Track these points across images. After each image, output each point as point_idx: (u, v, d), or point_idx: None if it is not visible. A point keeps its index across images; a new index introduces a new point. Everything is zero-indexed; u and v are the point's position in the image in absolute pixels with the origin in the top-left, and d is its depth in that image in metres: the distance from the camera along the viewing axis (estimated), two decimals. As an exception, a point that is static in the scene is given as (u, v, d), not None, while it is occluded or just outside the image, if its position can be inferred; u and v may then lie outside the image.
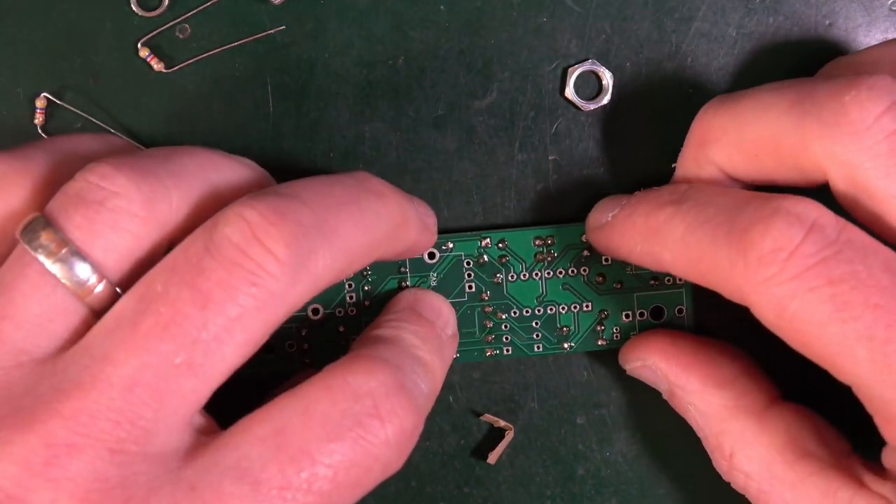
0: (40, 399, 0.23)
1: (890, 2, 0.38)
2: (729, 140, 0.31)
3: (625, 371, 0.38)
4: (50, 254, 0.24)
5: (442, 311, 0.34)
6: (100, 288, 0.25)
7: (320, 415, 0.24)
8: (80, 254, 0.24)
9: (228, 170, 0.29)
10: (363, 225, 0.27)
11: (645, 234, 0.30)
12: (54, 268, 0.24)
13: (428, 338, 0.31)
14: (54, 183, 0.27)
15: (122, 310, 0.24)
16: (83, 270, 0.24)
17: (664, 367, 0.34)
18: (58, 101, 0.37)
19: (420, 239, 0.32)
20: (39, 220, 0.25)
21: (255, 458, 0.23)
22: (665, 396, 0.36)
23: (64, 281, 0.24)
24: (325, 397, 0.24)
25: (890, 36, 0.38)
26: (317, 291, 0.26)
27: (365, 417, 0.24)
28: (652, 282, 0.38)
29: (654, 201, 0.30)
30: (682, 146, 0.35)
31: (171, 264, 0.25)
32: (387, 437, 0.24)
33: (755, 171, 0.30)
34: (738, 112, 0.30)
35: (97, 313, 0.26)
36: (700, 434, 0.34)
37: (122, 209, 0.25)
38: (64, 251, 0.24)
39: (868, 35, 0.38)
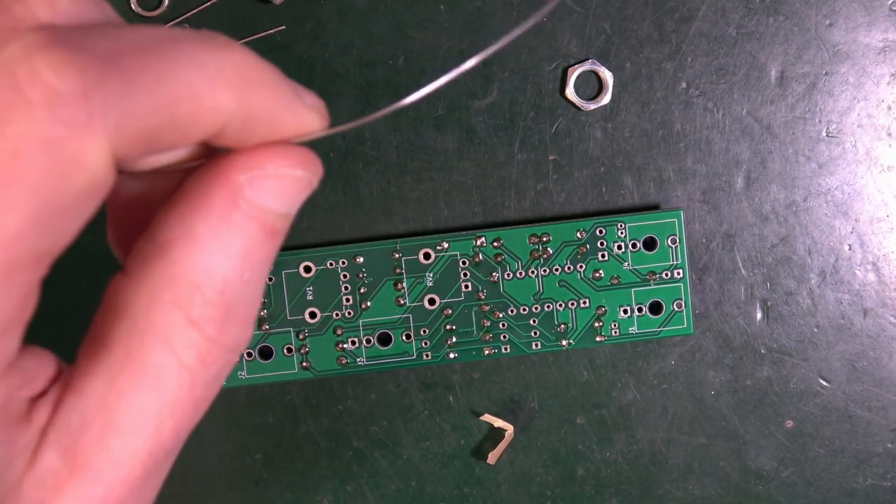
0: None
1: (890, 2, 0.38)
2: None
3: (625, 371, 0.38)
4: None
5: None
6: None
7: None
8: None
9: None
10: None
11: None
12: None
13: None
14: None
15: None
16: None
17: None
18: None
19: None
20: None
21: None
22: None
23: None
24: None
25: (890, 36, 0.38)
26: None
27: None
28: (649, 276, 0.38)
29: None
30: (681, 147, 0.35)
31: None
32: (28, 109, 0.17)
33: None
34: None
35: None
36: None
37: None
38: None
39: (868, 35, 0.38)
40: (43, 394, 0.20)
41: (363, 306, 0.38)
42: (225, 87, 0.19)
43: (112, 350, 0.19)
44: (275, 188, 0.20)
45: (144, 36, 0.19)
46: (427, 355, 0.38)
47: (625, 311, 0.38)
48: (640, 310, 0.38)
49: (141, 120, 0.18)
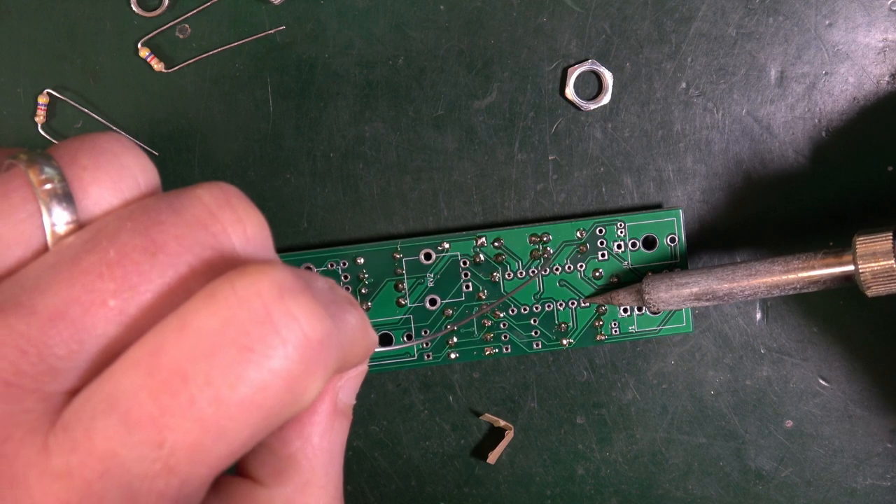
0: None
1: (890, 2, 0.38)
2: None
3: (624, 370, 0.38)
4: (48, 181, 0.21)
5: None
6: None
7: (198, 327, 0.20)
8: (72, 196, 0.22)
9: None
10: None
11: None
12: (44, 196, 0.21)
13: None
14: None
15: (66, 246, 0.21)
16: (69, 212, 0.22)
17: None
18: (61, 97, 0.37)
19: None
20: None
21: (125, 387, 0.20)
22: None
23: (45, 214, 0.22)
24: (205, 307, 0.20)
25: (890, 36, 0.38)
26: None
27: (252, 325, 0.20)
28: (649, 275, 0.38)
29: None
30: (681, 147, 0.35)
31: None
32: (284, 348, 0.20)
33: None
34: None
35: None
36: None
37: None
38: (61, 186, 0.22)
39: (868, 35, 0.38)
40: None
41: (364, 307, 0.38)
42: (367, 337, 0.24)
43: None
44: (353, 386, 0.26)
45: (326, 286, 0.23)
46: (428, 356, 0.38)
47: (625, 310, 0.38)
48: (640, 309, 0.38)
49: (339, 363, 0.22)
